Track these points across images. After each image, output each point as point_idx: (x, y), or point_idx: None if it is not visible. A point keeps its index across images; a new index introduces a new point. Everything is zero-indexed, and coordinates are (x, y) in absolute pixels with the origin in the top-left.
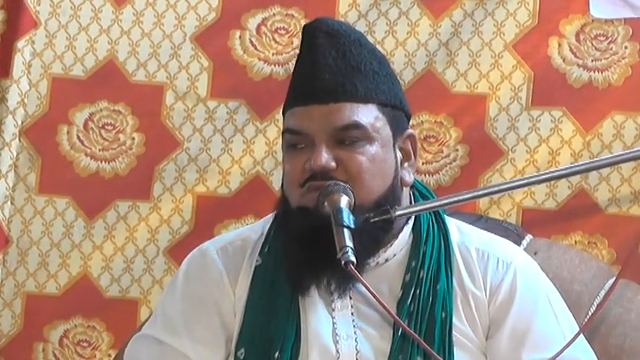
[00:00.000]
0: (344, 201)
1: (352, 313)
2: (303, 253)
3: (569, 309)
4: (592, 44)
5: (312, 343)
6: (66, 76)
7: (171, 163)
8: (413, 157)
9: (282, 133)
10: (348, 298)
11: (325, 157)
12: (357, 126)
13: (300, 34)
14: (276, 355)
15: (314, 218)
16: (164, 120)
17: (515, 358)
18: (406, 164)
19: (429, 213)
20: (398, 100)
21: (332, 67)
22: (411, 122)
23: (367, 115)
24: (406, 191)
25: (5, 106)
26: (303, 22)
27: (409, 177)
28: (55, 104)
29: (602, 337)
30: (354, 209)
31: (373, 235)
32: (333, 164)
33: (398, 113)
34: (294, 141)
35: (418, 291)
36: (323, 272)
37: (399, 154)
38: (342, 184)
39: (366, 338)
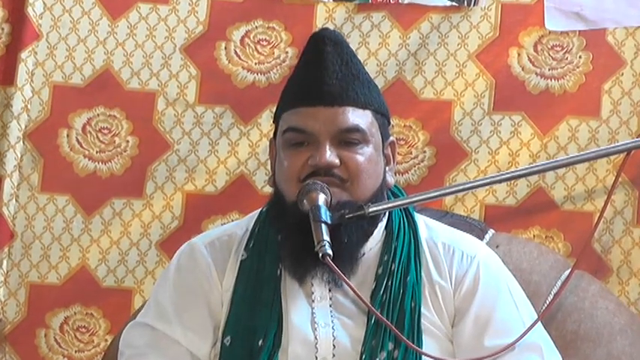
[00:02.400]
0: (321, 199)
1: (330, 305)
2: (302, 244)
3: (529, 298)
4: (549, 54)
5: (293, 331)
6: (66, 84)
7: (162, 164)
8: (392, 161)
9: (284, 131)
10: (327, 290)
11: (330, 154)
12: (358, 129)
13: (284, 44)
14: (260, 343)
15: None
16: (156, 124)
17: (479, 344)
18: (387, 168)
19: (400, 211)
20: (385, 109)
21: (338, 74)
22: None
23: (365, 119)
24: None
25: (10, 111)
26: (283, 35)
27: (391, 179)
28: (55, 110)
29: (558, 323)
30: (345, 205)
31: (362, 227)
32: (337, 161)
33: (385, 121)
34: (297, 139)
35: (390, 282)
36: (319, 264)
37: (384, 158)
38: (319, 183)
39: (343, 326)
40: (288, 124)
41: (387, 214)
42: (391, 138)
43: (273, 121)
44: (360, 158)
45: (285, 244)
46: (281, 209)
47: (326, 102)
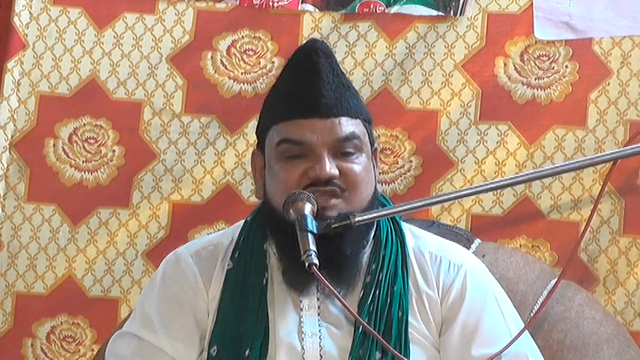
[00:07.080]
0: (307, 208)
1: (318, 314)
2: (298, 255)
3: (515, 307)
4: (535, 64)
5: (280, 341)
6: (52, 93)
7: (148, 174)
8: (377, 169)
9: (278, 142)
10: (315, 299)
11: (331, 166)
12: (354, 137)
13: (271, 54)
14: (247, 352)
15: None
16: (142, 134)
17: (466, 353)
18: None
19: (388, 220)
20: (371, 117)
21: (331, 85)
22: None
23: (359, 129)
24: None
25: None
26: (269, 44)
27: (379, 187)
28: (42, 120)
29: (545, 333)
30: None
31: (361, 236)
32: (337, 172)
33: (371, 128)
34: (294, 151)
35: (378, 292)
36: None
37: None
38: (305, 193)
39: (330, 336)
40: (283, 135)
41: (375, 222)
42: (376, 145)
43: (257, 132)
44: (358, 168)
45: (281, 256)
46: (274, 222)
47: (322, 114)
